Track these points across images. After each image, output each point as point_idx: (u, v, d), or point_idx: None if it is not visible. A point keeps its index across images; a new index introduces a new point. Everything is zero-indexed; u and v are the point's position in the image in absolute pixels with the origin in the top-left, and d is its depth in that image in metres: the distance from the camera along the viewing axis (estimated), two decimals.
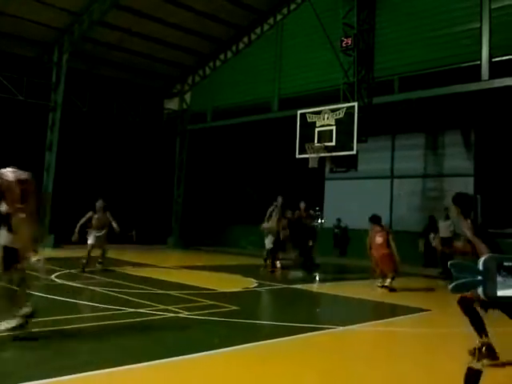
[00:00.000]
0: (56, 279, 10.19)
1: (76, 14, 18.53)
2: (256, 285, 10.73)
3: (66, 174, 19.19)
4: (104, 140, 21.11)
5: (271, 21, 20.88)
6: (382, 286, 10.51)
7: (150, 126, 22.91)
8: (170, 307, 7.51)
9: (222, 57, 22.63)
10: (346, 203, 19.64)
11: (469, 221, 5.29)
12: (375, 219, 11.21)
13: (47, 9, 17.84)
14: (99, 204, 11.64)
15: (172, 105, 24.28)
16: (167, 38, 20.70)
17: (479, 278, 1.78)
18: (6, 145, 18.52)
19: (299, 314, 7.97)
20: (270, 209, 13.85)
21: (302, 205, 14.13)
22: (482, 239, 5.04)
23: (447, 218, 13.25)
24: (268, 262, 13.62)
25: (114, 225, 11.41)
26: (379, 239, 10.76)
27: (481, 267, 1.79)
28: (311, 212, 14.97)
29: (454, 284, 1.84)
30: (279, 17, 20.60)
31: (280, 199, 13.58)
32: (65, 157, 19.27)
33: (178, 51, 21.81)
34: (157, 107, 24.11)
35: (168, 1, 18.78)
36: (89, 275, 10.72)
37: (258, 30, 21.35)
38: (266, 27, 21.11)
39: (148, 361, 4.81)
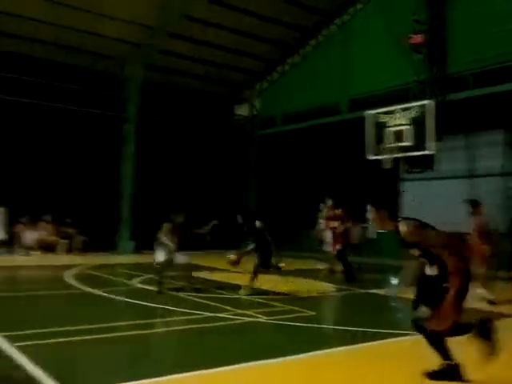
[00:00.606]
0: (138, 284, 10.61)
1: (148, 27, 19.23)
2: (332, 289, 10.65)
3: (145, 182, 19.96)
4: (178, 148, 21.76)
5: (337, 21, 20.75)
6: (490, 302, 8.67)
7: (221, 133, 23.37)
8: (248, 312, 7.62)
9: (289, 61, 22.73)
10: (424, 204, 18.98)
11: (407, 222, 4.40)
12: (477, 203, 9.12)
13: (119, 24, 18.58)
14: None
15: (242, 111, 24.63)
16: (234, 45, 21.06)
17: None
18: (86, 156, 19.56)
19: (378, 320, 7.83)
20: (322, 213, 12.68)
21: (329, 202, 12.14)
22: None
23: None
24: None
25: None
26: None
27: None
28: (337, 211, 12.19)
29: None
30: (345, 17, 20.42)
31: (330, 201, 12.32)
32: (143, 165, 20.07)
33: (245, 57, 22.13)
34: (227, 114, 24.54)
35: (233, 8, 19.12)
36: (168, 280, 11.01)
37: (325, 32, 21.28)
38: (332, 28, 21.01)
39: (228, 365, 4.90)
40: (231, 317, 7.36)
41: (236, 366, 4.90)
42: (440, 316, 4.18)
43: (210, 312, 7.61)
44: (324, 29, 21.24)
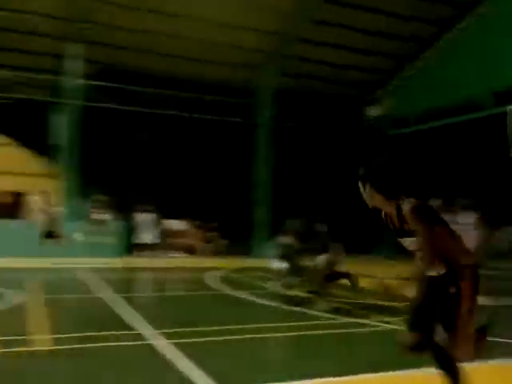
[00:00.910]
0: (274, 288, 10.80)
1: (276, 33, 19.64)
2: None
3: (281, 187, 20.45)
4: (310, 152, 22.01)
5: (473, 13, 19.59)
6: None
7: (352, 135, 23.13)
8: (387, 319, 7.41)
9: (423, 56, 21.86)
10: None
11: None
12: None
13: (250, 33, 19.25)
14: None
15: (373, 111, 24.15)
16: (362, 45, 20.80)
17: None
18: (224, 163, 20.53)
19: None
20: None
21: (437, 203, 9.20)
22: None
23: None
24: None
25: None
26: None
27: None
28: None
29: None
30: (482, 8, 19.22)
31: (438, 202, 9.51)
32: (278, 170, 20.64)
33: (374, 57, 21.71)
34: (357, 115, 24.22)
35: (361, 8, 18.88)
36: (303, 283, 11.06)
37: (460, 24, 20.17)
38: (468, 20, 19.86)
39: (368, 372, 4.76)
40: (370, 323, 7.21)
41: (376, 374, 4.74)
42: (460, 340, 3.13)
43: (350, 317, 7.54)
44: (460, 21, 20.14)
